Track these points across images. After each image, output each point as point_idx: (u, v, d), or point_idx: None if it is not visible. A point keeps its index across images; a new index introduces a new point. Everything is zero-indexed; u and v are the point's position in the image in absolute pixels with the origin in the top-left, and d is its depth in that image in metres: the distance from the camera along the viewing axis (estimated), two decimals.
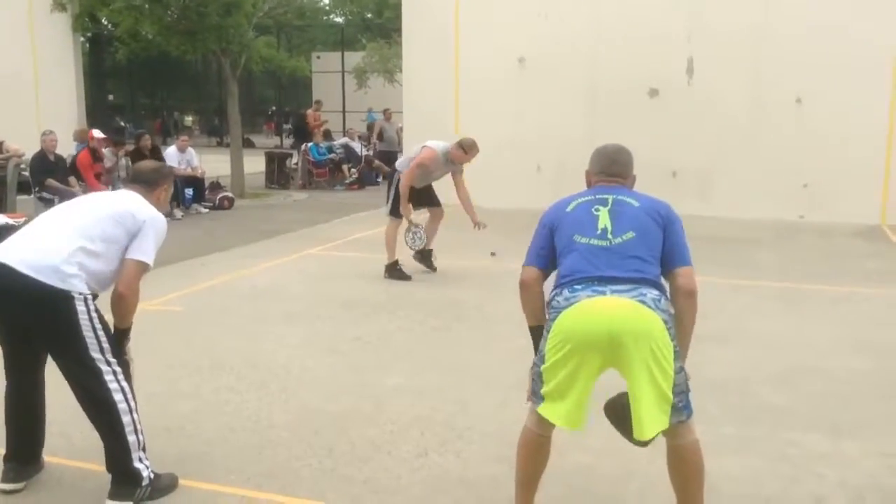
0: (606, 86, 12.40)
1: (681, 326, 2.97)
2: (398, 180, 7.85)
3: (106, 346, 3.28)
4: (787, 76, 11.61)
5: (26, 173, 11.72)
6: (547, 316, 3.02)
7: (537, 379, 2.97)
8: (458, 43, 13.21)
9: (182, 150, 13.22)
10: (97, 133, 12.60)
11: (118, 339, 3.42)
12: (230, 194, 13.76)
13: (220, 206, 13.23)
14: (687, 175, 12.10)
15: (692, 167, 12.12)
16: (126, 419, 3.30)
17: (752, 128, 11.86)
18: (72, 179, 11.39)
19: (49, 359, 3.44)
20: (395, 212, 7.94)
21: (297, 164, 17.73)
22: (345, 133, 20.34)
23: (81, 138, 13.43)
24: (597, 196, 3.14)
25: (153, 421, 4.31)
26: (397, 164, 8.12)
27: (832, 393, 4.83)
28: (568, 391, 2.86)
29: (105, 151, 12.53)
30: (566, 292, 2.91)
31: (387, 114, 19.50)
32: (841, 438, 4.13)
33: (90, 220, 3.35)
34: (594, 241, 2.97)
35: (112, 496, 3.35)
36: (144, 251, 3.36)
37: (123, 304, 3.37)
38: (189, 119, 32.94)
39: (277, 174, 17.06)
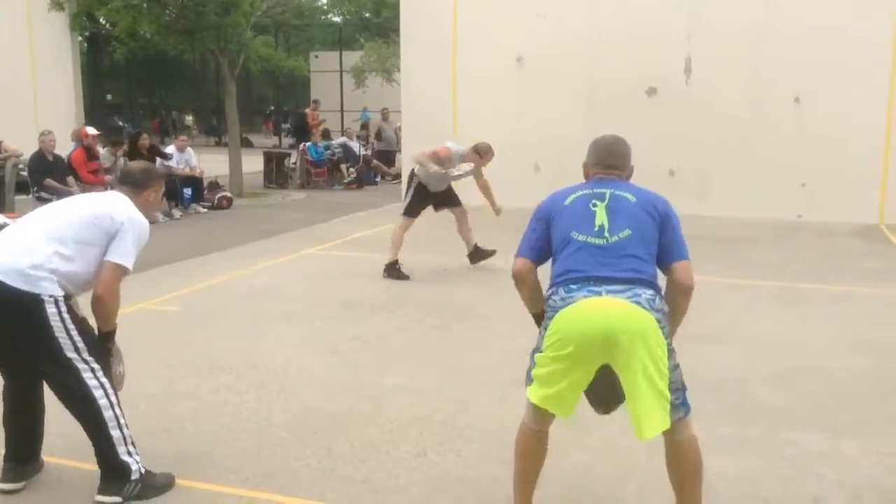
0: (605, 85, 12.40)
1: (672, 317, 3.01)
2: (417, 182, 8.01)
3: (81, 345, 3.28)
4: (786, 76, 11.61)
5: (25, 173, 11.72)
6: (544, 313, 3.05)
7: (532, 362, 3.05)
8: (456, 42, 13.21)
9: (181, 149, 13.21)
10: (91, 130, 12.59)
11: (103, 341, 3.43)
12: (229, 194, 13.76)
13: (219, 205, 13.23)
14: (685, 174, 12.11)
15: (690, 166, 12.12)
16: (108, 414, 3.31)
17: (751, 127, 11.86)
18: (70, 179, 11.38)
19: None
20: (409, 211, 8.05)
21: (295, 163, 17.73)
22: (343, 132, 20.34)
23: (79, 138, 13.41)
24: (595, 190, 3.12)
25: (152, 421, 4.32)
26: (416, 168, 8.13)
27: (830, 392, 4.83)
28: (558, 382, 2.92)
29: (103, 151, 12.53)
30: (562, 291, 2.93)
31: (385, 113, 19.51)
32: (839, 438, 4.14)
33: (65, 222, 3.33)
34: (591, 240, 2.97)
35: (101, 491, 3.36)
36: (122, 254, 3.32)
37: (102, 306, 3.35)
38: (189, 119, 32.87)
39: (276, 174, 17.06)
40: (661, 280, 3.04)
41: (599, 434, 4.03)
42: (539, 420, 3.05)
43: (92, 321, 3.44)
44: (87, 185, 11.21)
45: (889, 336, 6.06)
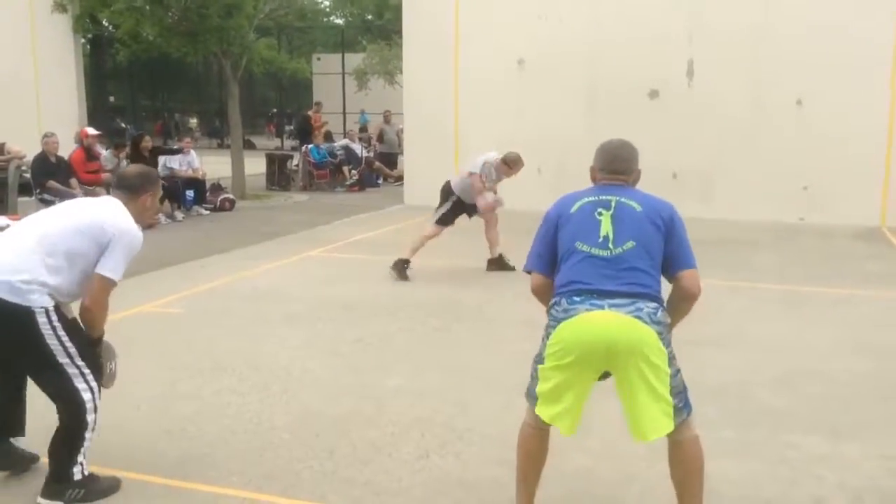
0: (606, 87, 12.41)
1: (673, 317, 3.06)
2: (456, 199, 8.04)
3: (72, 350, 3.32)
4: (787, 78, 11.62)
5: (27, 175, 11.74)
6: (547, 320, 3.07)
7: (535, 377, 3.07)
8: (458, 44, 13.23)
9: (184, 151, 13.23)
10: (90, 130, 12.62)
11: (91, 344, 3.46)
12: (231, 196, 13.77)
13: (221, 207, 13.24)
14: (687, 177, 12.11)
15: (692, 169, 12.13)
16: (90, 417, 3.37)
17: (753, 130, 11.87)
18: (73, 181, 11.40)
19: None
20: (443, 221, 8.11)
21: (297, 165, 17.75)
22: (345, 135, 20.35)
23: (80, 139, 13.43)
24: (601, 197, 3.12)
25: (154, 423, 4.33)
26: (454, 184, 8.13)
27: (832, 395, 4.83)
28: (563, 396, 2.96)
29: (105, 153, 12.55)
30: (565, 303, 2.96)
31: (387, 115, 19.52)
32: (840, 441, 4.14)
33: (56, 232, 3.34)
34: (595, 251, 2.99)
35: (44, 494, 3.39)
36: (112, 267, 3.34)
37: (90, 316, 3.39)
38: (193, 122, 32.88)
39: (278, 176, 17.07)
40: (665, 286, 3.05)
41: (600, 437, 4.04)
42: (540, 420, 3.07)
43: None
44: (87, 186, 11.23)
45: (890, 339, 6.06)
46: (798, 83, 11.60)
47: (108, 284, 3.35)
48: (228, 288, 7.59)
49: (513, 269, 8.14)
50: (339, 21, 39.99)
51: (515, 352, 5.64)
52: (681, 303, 3.07)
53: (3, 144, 11.97)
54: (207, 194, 13.32)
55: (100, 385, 3.44)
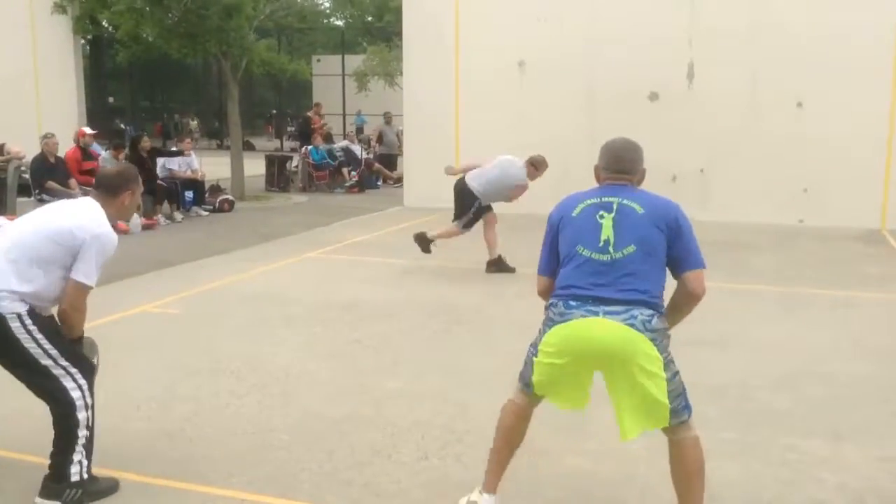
0: (606, 89, 12.40)
1: (672, 316, 3.09)
2: (479, 204, 8.11)
3: (54, 352, 3.32)
4: (788, 80, 11.62)
5: (27, 176, 11.72)
6: (544, 316, 3.12)
7: (529, 366, 3.14)
8: (458, 46, 13.23)
9: (185, 154, 13.22)
10: (87, 130, 12.63)
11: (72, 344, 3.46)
12: (230, 197, 13.77)
13: (220, 208, 13.24)
14: (687, 179, 12.11)
15: (692, 171, 12.12)
16: (81, 415, 3.37)
17: (752, 132, 11.86)
18: (72, 182, 11.39)
19: None
20: (468, 225, 8.20)
21: (297, 166, 17.75)
22: (345, 136, 20.35)
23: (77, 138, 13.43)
24: (603, 199, 3.11)
25: (152, 424, 4.32)
26: (478, 191, 8.09)
27: (832, 397, 4.83)
28: (561, 389, 3.10)
29: (104, 154, 12.54)
30: (562, 306, 3.00)
31: (387, 117, 19.53)
32: (840, 443, 4.13)
33: (28, 240, 3.34)
34: (595, 256, 3.00)
35: (42, 494, 3.39)
36: (84, 272, 3.33)
37: (67, 320, 3.40)
38: (194, 123, 32.86)
39: (277, 177, 17.07)
40: (669, 286, 3.05)
41: (600, 439, 4.03)
42: (525, 398, 3.19)
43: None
44: (84, 186, 11.21)
45: (890, 341, 6.06)
46: (798, 85, 11.59)
47: (82, 289, 3.35)
48: (227, 289, 7.58)
49: (512, 270, 8.13)
50: (339, 23, 40.00)
51: (515, 353, 5.61)
52: (683, 303, 3.07)
53: (2, 145, 11.95)
54: (206, 195, 13.32)
55: (90, 383, 3.43)
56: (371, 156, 18.96)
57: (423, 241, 8.16)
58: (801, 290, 7.67)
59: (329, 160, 17.42)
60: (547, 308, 3.09)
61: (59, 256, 3.32)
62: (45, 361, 3.30)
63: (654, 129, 12.10)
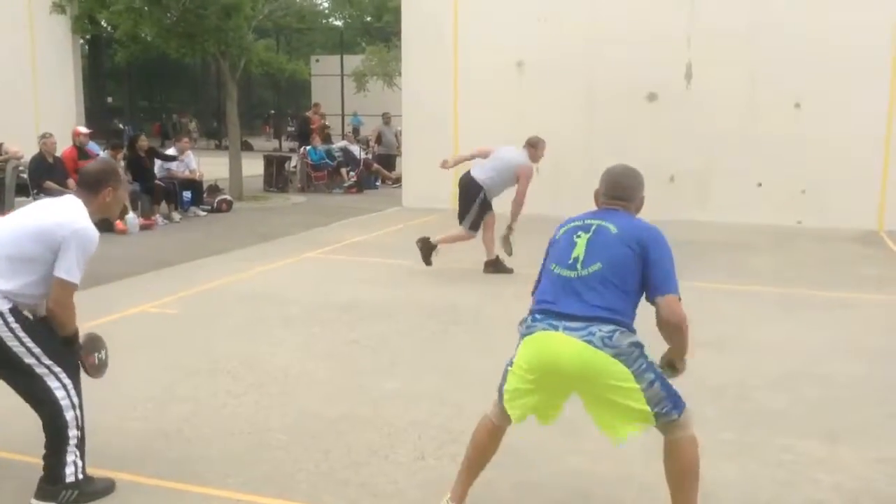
0: (605, 90, 12.41)
1: (670, 344, 3.11)
2: (483, 198, 8.01)
3: (37, 350, 3.31)
4: (786, 81, 11.63)
5: (25, 175, 11.72)
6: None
7: (504, 377, 3.23)
8: (456, 46, 13.23)
9: (181, 151, 13.21)
10: (82, 129, 12.63)
11: (67, 342, 3.44)
12: (228, 197, 13.76)
13: (219, 209, 13.23)
14: (685, 180, 12.13)
15: (690, 172, 12.13)
16: (69, 415, 3.36)
17: (750, 133, 11.86)
18: (70, 182, 11.38)
19: None
20: (475, 226, 8.10)
21: (295, 167, 17.74)
22: (343, 136, 20.34)
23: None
24: (585, 221, 3.18)
25: (150, 424, 4.32)
26: (485, 183, 8.02)
27: (829, 398, 4.83)
28: (530, 396, 3.14)
29: (102, 154, 12.52)
30: (529, 320, 3.12)
31: (386, 117, 19.53)
32: (837, 444, 4.14)
33: (11, 239, 3.34)
34: (563, 272, 3.08)
35: (37, 496, 3.39)
36: (66, 269, 3.30)
37: (55, 318, 3.38)
38: (192, 125, 32.81)
39: (276, 177, 17.06)
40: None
41: (596, 439, 4.03)
42: (499, 416, 3.25)
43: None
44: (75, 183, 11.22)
45: (887, 342, 6.07)
46: (796, 86, 11.60)
47: (66, 286, 3.32)
48: (225, 289, 7.58)
49: (510, 271, 8.13)
50: (338, 23, 39.99)
51: (510, 354, 5.64)
52: (664, 332, 3.06)
53: (0, 144, 11.95)
54: (205, 195, 13.31)
55: (76, 383, 3.41)
56: (370, 156, 18.96)
57: (426, 248, 8.04)
58: (798, 291, 7.68)
59: (328, 160, 17.42)
60: (520, 324, 3.20)
61: (42, 254, 3.30)
62: (29, 360, 3.30)
63: (653, 129, 12.15)
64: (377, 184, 18.22)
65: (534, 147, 8.16)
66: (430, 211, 12.71)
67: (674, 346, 3.10)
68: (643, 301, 3.08)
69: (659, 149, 12.04)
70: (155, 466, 3.79)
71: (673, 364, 3.15)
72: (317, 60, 33.48)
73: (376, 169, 18.48)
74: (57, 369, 3.35)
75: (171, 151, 13.33)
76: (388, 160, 18.95)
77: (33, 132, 13.25)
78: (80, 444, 3.42)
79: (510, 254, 8.08)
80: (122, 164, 12.14)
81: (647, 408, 2.95)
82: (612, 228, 3.08)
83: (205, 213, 12.92)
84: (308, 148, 17.34)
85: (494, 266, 8.23)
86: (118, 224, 10.69)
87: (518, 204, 8.04)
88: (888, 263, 9.28)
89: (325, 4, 39.15)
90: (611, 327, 2.93)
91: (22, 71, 17.38)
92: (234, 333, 6.09)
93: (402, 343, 5.94)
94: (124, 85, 36.40)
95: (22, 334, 3.29)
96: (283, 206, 14.70)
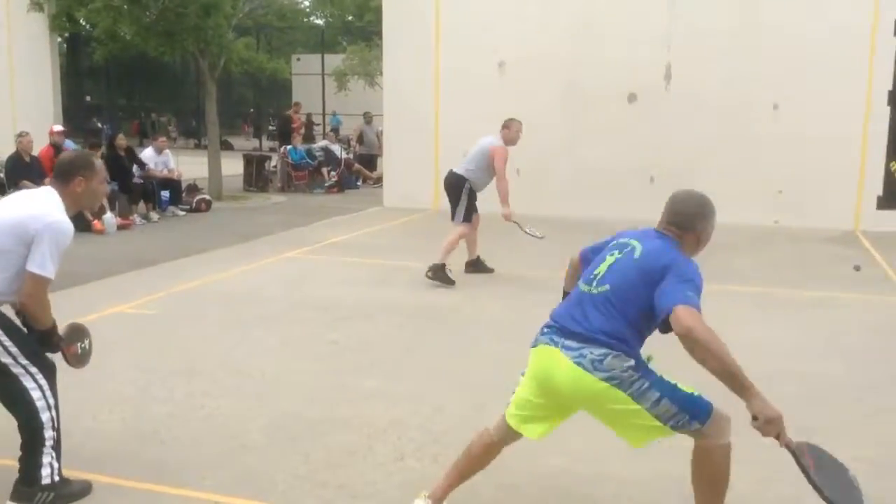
0: (586, 90, 12.45)
1: (727, 384, 2.83)
2: (469, 189, 7.90)
3: (14, 350, 3.27)
4: (764, 82, 11.71)
5: (1, 174, 11.61)
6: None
7: (518, 382, 3.19)
8: (438, 46, 13.23)
9: (159, 150, 13.12)
10: (57, 127, 12.55)
11: (41, 339, 3.40)
12: (207, 197, 13.68)
13: (197, 208, 13.15)
14: (664, 180, 12.15)
15: (670, 172, 12.14)
16: (45, 416, 3.32)
17: (729, 133, 11.94)
18: (47, 181, 11.27)
19: None
20: (468, 217, 7.96)
21: (275, 166, 17.67)
22: (325, 136, 20.28)
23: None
24: (626, 240, 3.09)
25: (126, 425, 4.29)
26: (466, 175, 7.94)
27: (804, 396, 4.87)
28: (528, 410, 3.11)
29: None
30: (541, 328, 3.10)
31: (367, 117, 19.49)
32: (812, 441, 4.16)
33: None
34: (583, 286, 3.05)
35: (13, 497, 3.35)
36: (39, 263, 3.25)
37: (28, 312, 3.35)
38: (171, 126, 32.51)
39: (256, 177, 16.98)
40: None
41: (577, 438, 4.04)
42: (499, 430, 3.22)
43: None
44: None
45: (862, 341, 6.13)
46: (774, 88, 11.69)
47: (39, 280, 3.27)
48: (204, 289, 7.54)
49: (491, 271, 8.13)
50: (320, 21, 39.84)
51: (492, 354, 5.65)
52: (684, 346, 2.78)
53: None
54: (183, 195, 13.23)
55: (52, 384, 3.37)
56: (351, 156, 18.92)
57: (438, 273, 7.72)
58: (776, 291, 7.73)
59: (308, 160, 17.37)
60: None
61: (13, 248, 3.25)
62: (5, 359, 3.26)
63: (633, 130, 12.21)
64: (358, 183, 18.18)
65: (507, 128, 8.07)
66: (411, 211, 12.71)
67: (708, 366, 2.74)
68: None
69: (639, 149, 12.10)
70: (131, 468, 3.76)
71: (752, 413, 2.80)
72: (298, 59, 33.37)
73: (357, 169, 18.45)
74: (33, 370, 3.31)
75: (146, 152, 13.18)
76: (370, 160, 18.92)
77: (10, 130, 13.16)
78: (57, 446, 3.38)
79: (542, 236, 7.88)
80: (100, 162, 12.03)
81: (659, 423, 2.91)
82: (638, 253, 2.99)
83: (183, 213, 12.84)
84: (288, 147, 17.27)
85: (475, 266, 8.23)
86: (95, 224, 10.61)
87: (500, 182, 7.85)
88: (864, 263, 9.36)
89: (307, 3, 39.04)
90: (603, 351, 2.87)
91: None
92: (212, 334, 6.05)
93: (382, 343, 5.92)
94: (103, 83, 36.08)
95: None
96: (262, 205, 14.64)
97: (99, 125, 30.25)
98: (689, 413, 2.95)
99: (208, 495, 3.53)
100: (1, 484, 3.44)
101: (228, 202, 14.57)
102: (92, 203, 3.61)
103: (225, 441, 4.11)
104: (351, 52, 26.88)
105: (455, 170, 8.09)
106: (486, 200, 8.20)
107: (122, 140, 12.70)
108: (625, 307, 2.91)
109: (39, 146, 11.93)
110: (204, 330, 6.16)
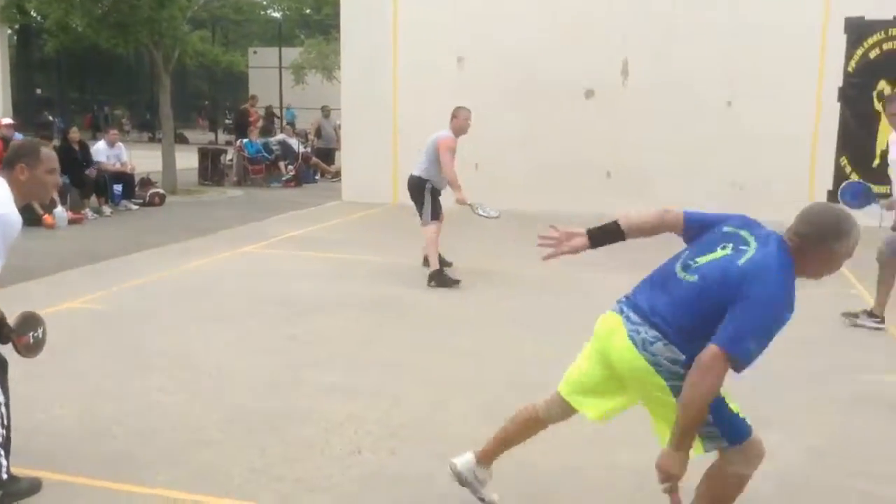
0: (544, 86, 12.48)
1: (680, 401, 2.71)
2: (431, 187, 7.78)
3: None
4: (718, 80, 11.89)
5: None
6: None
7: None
8: (396, 40, 13.18)
9: (111, 143, 12.89)
10: (6, 120, 12.30)
11: None
12: (161, 191, 13.47)
13: (151, 202, 12.94)
14: (621, 175, 12.28)
15: (626, 167, 12.30)
16: None
17: (684, 130, 12.08)
18: None
19: None
20: (435, 215, 7.79)
21: (231, 160, 17.47)
22: (282, 129, 20.12)
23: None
24: (747, 236, 2.84)
25: (78, 421, 4.21)
26: (422, 174, 7.81)
27: (758, 385, 4.94)
28: (577, 378, 3.07)
29: None
30: (619, 299, 3.00)
31: (325, 111, 19.37)
32: (767, 430, 4.19)
33: None
34: (678, 269, 2.88)
35: None
36: None
37: None
38: (125, 120, 31.92)
39: (211, 170, 16.76)
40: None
41: (545, 431, 4.06)
42: (548, 406, 3.16)
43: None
44: None
45: (814, 331, 6.24)
46: (728, 85, 11.88)
47: None
48: (158, 284, 7.43)
49: (449, 264, 8.12)
50: (277, 14, 39.47)
51: (450, 348, 5.66)
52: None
53: None
54: (136, 189, 13.01)
55: (2, 379, 3.28)
56: (308, 149, 18.79)
57: (440, 278, 7.50)
58: None
59: (265, 154, 17.20)
60: None
61: None
62: None
63: (590, 125, 12.30)
64: (316, 178, 18.06)
65: (455, 118, 7.95)
66: (369, 205, 12.66)
67: (681, 404, 2.65)
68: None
69: (596, 145, 12.20)
70: (84, 465, 3.69)
71: (661, 462, 2.71)
72: (254, 52, 33.01)
73: (315, 162, 18.33)
74: None
75: (98, 146, 12.92)
76: (328, 154, 18.81)
77: None
78: (6, 444, 3.30)
79: (497, 215, 7.73)
80: None
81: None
82: (745, 259, 2.74)
83: (136, 207, 12.63)
84: (244, 141, 17.09)
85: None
86: (46, 218, 10.39)
87: (445, 172, 7.68)
88: None
89: None
90: (656, 334, 2.77)
91: None
92: (166, 329, 5.96)
93: (340, 337, 5.89)
94: (54, 76, 35.35)
95: None
96: (218, 199, 14.46)
97: (50, 118, 29.66)
98: (722, 429, 2.83)
99: (162, 491, 3.48)
100: None
101: (183, 196, 14.37)
102: (41, 193, 3.48)
103: (180, 436, 4.05)
104: (308, 45, 26.70)
105: (414, 172, 8.01)
106: (446, 196, 8.22)
107: (75, 133, 12.47)
108: (702, 306, 2.72)
109: None
110: (158, 325, 6.07)
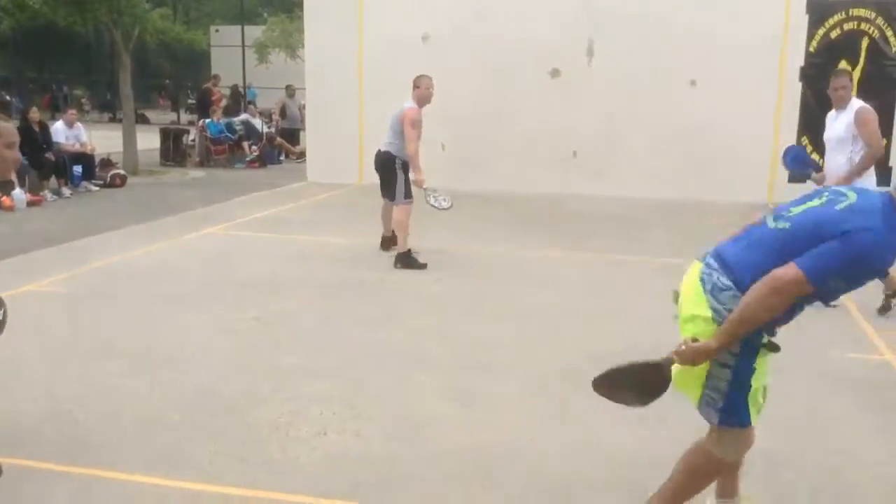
0: (510, 65, 12.45)
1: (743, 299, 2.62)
2: (402, 163, 7.54)
3: None
4: (681, 59, 11.94)
5: None
6: None
7: None
8: (361, 18, 13.05)
9: (70, 124, 12.65)
10: None
11: None
12: (122, 171, 13.26)
13: (112, 183, 12.73)
14: (586, 154, 12.32)
15: (591, 147, 12.33)
16: None
17: (649, 109, 12.13)
18: None
19: None
20: (409, 193, 7.53)
21: (193, 140, 17.24)
22: (245, 109, 19.87)
23: None
24: (848, 192, 2.68)
25: (39, 406, 4.15)
26: (390, 149, 7.59)
27: None
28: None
29: None
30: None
31: (290, 90, 19.15)
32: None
33: None
34: (769, 218, 2.77)
35: None
36: None
37: None
38: (84, 100, 31.30)
39: (173, 151, 16.52)
40: None
41: (493, 410, 4.08)
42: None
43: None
44: None
45: None
46: (692, 64, 11.93)
47: None
48: (118, 267, 7.33)
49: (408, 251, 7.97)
50: None
51: (414, 328, 5.66)
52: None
53: None
54: (97, 170, 12.80)
55: None
56: (273, 130, 18.59)
57: (407, 260, 7.37)
58: (687, 263, 7.91)
59: (228, 134, 17.00)
60: None
61: None
62: None
63: (556, 105, 12.31)
64: (281, 158, 17.89)
65: (417, 87, 7.72)
66: (335, 186, 12.58)
67: (744, 302, 2.57)
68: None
69: (562, 124, 12.21)
70: (44, 449, 3.64)
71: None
72: (216, 31, 32.53)
73: (279, 143, 18.15)
74: None
75: (56, 126, 12.69)
76: (292, 134, 18.62)
77: None
78: None
79: (448, 206, 7.63)
80: None
81: (702, 382, 2.73)
82: (842, 205, 2.59)
83: (97, 188, 12.43)
84: (207, 121, 16.86)
85: (392, 242, 8.01)
86: (4, 200, 10.20)
87: (408, 145, 7.47)
88: None
89: None
90: (727, 282, 2.65)
91: None
92: (127, 312, 5.89)
93: (303, 319, 5.87)
94: (11, 55, 34.55)
95: None
96: (180, 180, 14.27)
97: (8, 98, 29.03)
98: (724, 402, 2.74)
99: (124, 475, 3.44)
100: None
101: (144, 177, 14.16)
102: (0, 168, 3.39)
103: (142, 419, 4.02)
104: (272, 23, 26.39)
105: (381, 148, 7.81)
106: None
107: (35, 113, 12.21)
108: (783, 251, 2.58)
109: None
110: (119, 308, 5.99)
